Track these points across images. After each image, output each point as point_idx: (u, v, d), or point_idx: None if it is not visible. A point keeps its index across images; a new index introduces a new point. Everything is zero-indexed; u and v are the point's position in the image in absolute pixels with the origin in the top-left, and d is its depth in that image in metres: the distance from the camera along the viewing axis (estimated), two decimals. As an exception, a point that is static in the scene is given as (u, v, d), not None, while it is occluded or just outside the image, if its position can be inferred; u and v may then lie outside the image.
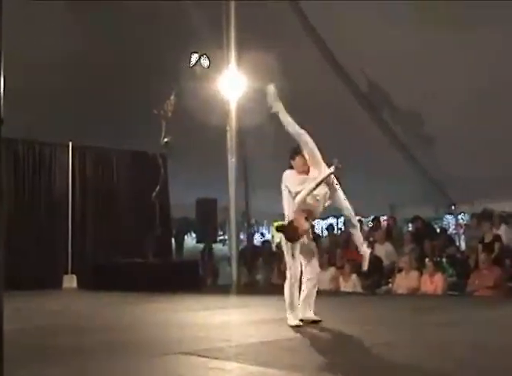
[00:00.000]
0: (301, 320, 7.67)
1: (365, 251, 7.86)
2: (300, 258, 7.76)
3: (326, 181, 7.48)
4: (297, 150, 7.99)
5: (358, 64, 14.29)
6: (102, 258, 15.09)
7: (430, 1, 12.04)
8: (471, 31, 12.27)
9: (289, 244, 7.59)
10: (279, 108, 8.05)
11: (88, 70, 14.37)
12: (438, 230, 17.01)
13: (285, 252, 7.75)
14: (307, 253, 7.84)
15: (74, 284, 14.93)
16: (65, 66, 14.06)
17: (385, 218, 17.73)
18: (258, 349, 6.12)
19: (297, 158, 7.91)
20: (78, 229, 15.71)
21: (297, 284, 7.77)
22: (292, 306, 7.72)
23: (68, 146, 15.73)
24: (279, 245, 18.55)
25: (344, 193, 7.75)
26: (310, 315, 7.83)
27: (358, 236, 7.94)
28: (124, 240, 15.78)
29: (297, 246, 7.66)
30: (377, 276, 14.15)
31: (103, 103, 14.90)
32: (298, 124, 7.89)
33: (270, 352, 6.00)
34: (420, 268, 13.32)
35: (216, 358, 5.57)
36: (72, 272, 15.13)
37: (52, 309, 10.63)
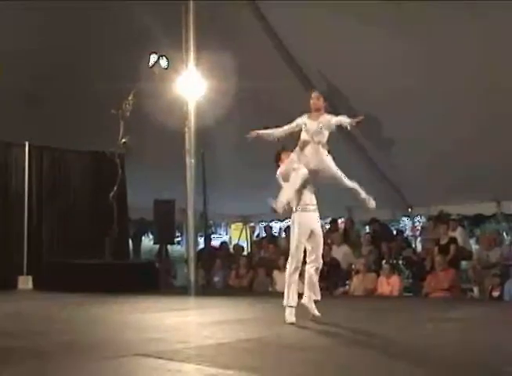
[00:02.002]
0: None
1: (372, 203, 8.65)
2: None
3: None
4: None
5: (317, 66, 14.32)
6: (59, 259, 14.93)
7: (390, 5, 12.09)
8: (429, 37, 12.40)
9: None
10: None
11: (45, 69, 14.22)
12: (395, 233, 17.17)
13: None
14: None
15: (30, 285, 14.74)
16: (21, 65, 13.90)
17: (342, 220, 17.82)
18: (216, 351, 6.12)
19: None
20: (34, 229, 15.53)
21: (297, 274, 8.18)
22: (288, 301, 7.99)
23: (24, 146, 15.55)
24: (236, 246, 18.63)
25: None
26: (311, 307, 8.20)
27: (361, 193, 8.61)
28: (81, 241, 15.64)
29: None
30: (334, 277, 14.22)
31: (60, 103, 14.76)
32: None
33: (228, 354, 6.01)
34: (377, 270, 13.43)
35: (173, 360, 5.56)
36: (28, 273, 14.94)
37: (8, 310, 10.48)
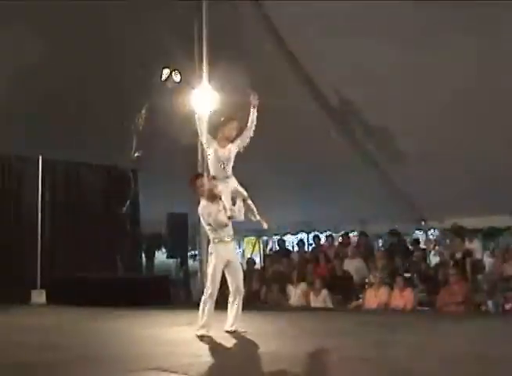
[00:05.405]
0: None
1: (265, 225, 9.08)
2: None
3: None
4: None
5: (330, 79, 14.30)
6: (72, 273, 14.94)
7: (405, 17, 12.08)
8: (443, 49, 12.38)
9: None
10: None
11: (59, 83, 14.27)
12: (410, 246, 17.08)
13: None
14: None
15: (43, 299, 14.73)
16: (36, 78, 13.96)
17: (355, 233, 17.75)
18: (228, 365, 6.09)
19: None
20: (48, 243, 15.56)
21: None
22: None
23: (38, 160, 15.60)
24: (249, 260, 18.59)
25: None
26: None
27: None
28: (94, 255, 15.65)
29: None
30: (347, 291, 14.18)
31: (74, 117, 14.81)
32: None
33: (241, 367, 5.98)
34: (391, 283, 13.36)
35: (186, 373, 5.54)
36: (41, 287, 14.95)
37: (22, 324, 10.49)
